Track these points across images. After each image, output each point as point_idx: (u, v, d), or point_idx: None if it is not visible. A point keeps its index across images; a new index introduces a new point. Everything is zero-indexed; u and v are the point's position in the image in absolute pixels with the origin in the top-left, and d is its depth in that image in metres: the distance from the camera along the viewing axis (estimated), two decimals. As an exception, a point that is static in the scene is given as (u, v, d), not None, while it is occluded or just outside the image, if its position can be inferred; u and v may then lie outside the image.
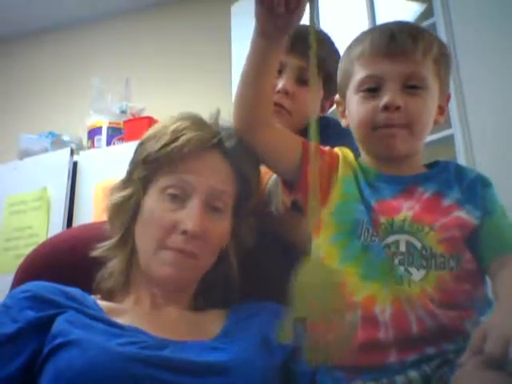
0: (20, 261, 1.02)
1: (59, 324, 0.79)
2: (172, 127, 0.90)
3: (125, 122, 2.34)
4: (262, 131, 0.91)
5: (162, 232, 0.86)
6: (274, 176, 1.05)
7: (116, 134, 2.33)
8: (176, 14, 3.02)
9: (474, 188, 0.88)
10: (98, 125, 2.37)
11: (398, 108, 0.87)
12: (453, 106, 1.68)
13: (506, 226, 0.87)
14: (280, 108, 1.14)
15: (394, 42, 0.88)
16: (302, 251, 1.03)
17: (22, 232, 2.15)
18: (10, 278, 1.00)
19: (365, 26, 2.07)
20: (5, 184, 2.28)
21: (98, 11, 3.10)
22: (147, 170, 0.91)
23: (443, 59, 0.93)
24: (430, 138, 1.67)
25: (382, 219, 0.85)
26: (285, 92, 1.14)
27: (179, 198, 0.88)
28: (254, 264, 0.95)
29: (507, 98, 1.60)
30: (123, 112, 2.40)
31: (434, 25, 1.80)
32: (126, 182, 0.93)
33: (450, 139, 1.70)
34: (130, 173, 0.94)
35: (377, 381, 0.78)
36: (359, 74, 0.91)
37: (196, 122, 0.93)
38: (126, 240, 0.91)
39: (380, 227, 0.85)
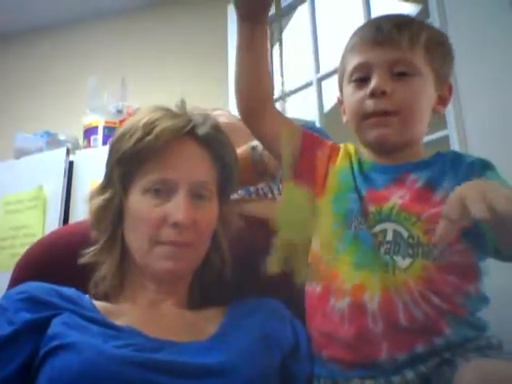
0: (16, 260, 1.02)
1: (55, 326, 0.79)
2: (143, 121, 0.89)
3: (121, 121, 2.33)
4: (263, 116, 0.92)
5: (153, 228, 0.86)
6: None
7: (112, 133, 2.31)
8: (173, 14, 3.02)
9: (471, 172, 0.87)
10: (94, 124, 2.37)
11: (384, 93, 0.87)
12: (448, 106, 1.68)
13: None
14: None
15: (380, 31, 0.90)
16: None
17: (18, 231, 2.14)
18: (5, 277, 1.00)
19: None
20: (0, 183, 2.27)
21: (95, 10, 3.10)
22: (125, 168, 0.90)
23: (438, 48, 0.93)
24: (425, 138, 1.68)
25: (371, 208, 0.86)
26: None
27: (163, 192, 0.87)
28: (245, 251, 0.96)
29: (503, 98, 1.60)
30: (119, 111, 2.40)
31: (429, 26, 1.81)
32: (106, 185, 0.93)
33: (445, 140, 1.70)
34: (108, 174, 0.93)
35: (375, 379, 0.79)
36: (350, 65, 0.93)
37: (166, 112, 0.92)
38: (114, 242, 0.90)
39: (369, 216, 0.85)
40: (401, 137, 0.90)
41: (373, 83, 0.88)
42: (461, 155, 0.92)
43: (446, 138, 1.70)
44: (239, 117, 0.97)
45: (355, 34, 0.96)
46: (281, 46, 0.85)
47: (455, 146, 1.65)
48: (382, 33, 0.90)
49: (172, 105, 0.95)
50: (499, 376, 0.66)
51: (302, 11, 2.34)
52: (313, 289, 0.88)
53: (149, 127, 0.88)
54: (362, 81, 0.91)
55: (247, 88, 0.91)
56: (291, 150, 0.92)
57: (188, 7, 2.96)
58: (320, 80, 2.21)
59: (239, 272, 0.94)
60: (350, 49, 0.94)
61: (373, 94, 0.88)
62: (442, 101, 0.95)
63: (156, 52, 2.99)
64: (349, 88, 0.93)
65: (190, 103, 0.96)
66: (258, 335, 0.85)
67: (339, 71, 0.99)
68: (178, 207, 0.85)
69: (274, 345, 0.85)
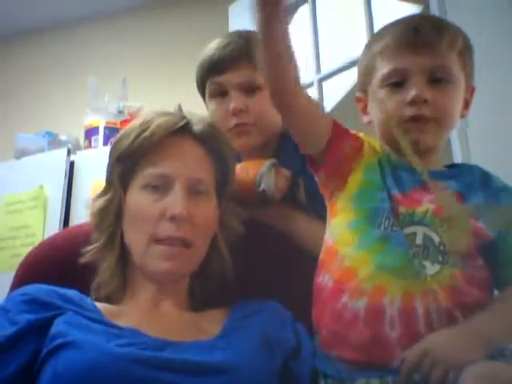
0: (16, 260, 1.03)
1: (58, 325, 0.79)
2: (140, 121, 0.91)
3: (122, 121, 2.33)
4: (292, 98, 0.87)
5: (151, 223, 0.86)
6: (267, 162, 1.06)
7: (113, 133, 2.31)
8: (173, 14, 3.01)
9: (499, 198, 0.87)
10: (95, 124, 2.37)
11: (425, 101, 0.86)
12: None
13: None
14: (243, 127, 1.14)
15: (418, 34, 0.88)
16: (295, 243, 1.04)
17: (19, 231, 2.14)
18: (5, 277, 1.00)
19: (362, 27, 2.07)
20: (1, 183, 2.27)
21: (96, 11, 3.10)
22: (124, 166, 0.91)
23: (468, 52, 0.92)
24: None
25: (402, 209, 0.84)
26: (239, 110, 1.13)
27: (161, 188, 0.88)
28: (247, 256, 0.95)
29: (506, 100, 1.60)
30: (120, 112, 2.39)
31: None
32: (107, 187, 0.94)
33: (446, 142, 1.70)
34: (108, 176, 0.94)
35: (381, 378, 0.78)
36: (383, 68, 0.90)
37: (162, 112, 0.94)
38: (113, 241, 0.91)
39: (399, 217, 0.84)
40: (435, 142, 0.90)
41: (414, 91, 0.87)
42: (490, 175, 0.92)
43: (447, 140, 1.70)
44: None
45: (386, 33, 0.93)
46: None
47: (456, 146, 1.65)
48: (420, 36, 0.88)
49: (174, 106, 0.96)
50: (497, 375, 0.66)
51: (303, 12, 2.34)
52: (325, 283, 0.86)
53: (145, 125, 0.90)
54: (396, 85, 0.89)
55: (275, 69, 0.85)
56: (319, 139, 0.90)
57: (188, 7, 2.96)
58: (321, 81, 2.21)
59: (241, 274, 0.94)
60: (383, 50, 0.91)
61: (413, 102, 0.86)
62: (466, 104, 0.95)
63: (156, 52, 2.99)
64: (381, 92, 0.91)
65: (191, 104, 0.97)
66: (259, 336, 0.85)
67: (364, 69, 0.96)
68: (175, 201, 0.86)
69: (276, 346, 0.85)
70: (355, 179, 0.90)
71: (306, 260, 0.94)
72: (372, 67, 0.93)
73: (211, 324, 0.88)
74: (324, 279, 0.87)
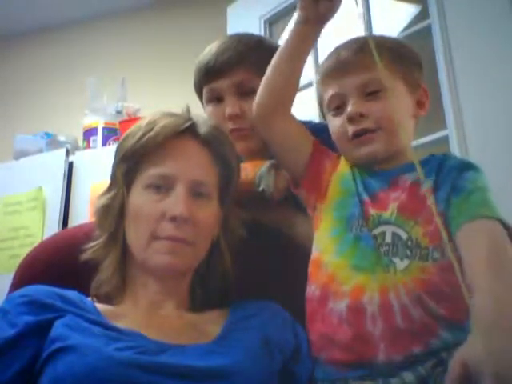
0: (15, 261, 1.03)
1: (58, 328, 0.79)
2: (146, 121, 0.92)
3: (120, 122, 2.33)
4: (280, 120, 0.96)
5: (152, 223, 0.87)
6: (267, 162, 1.07)
7: (112, 134, 2.32)
8: (172, 14, 3.02)
9: (450, 174, 0.89)
10: (94, 125, 2.37)
11: (361, 115, 0.91)
12: (448, 106, 1.68)
13: (474, 196, 0.84)
14: (240, 132, 1.14)
15: (339, 60, 0.96)
16: (297, 244, 1.05)
17: (18, 232, 2.14)
18: (4, 279, 1.00)
19: (360, 27, 2.07)
20: (0, 184, 2.26)
21: (95, 11, 3.10)
22: (128, 165, 0.92)
23: (399, 59, 0.96)
24: (424, 139, 1.69)
25: (372, 212, 0.88)
26: (235, 115, 1.13)
27: (163, 188, 0.89)
28: (248, 257, 0.96)
29: (503, 98, 1.60)
30: (119, 112, 2.39)
31: (429, 26, 1.81)
32: (111, 185, 0.95)
33: (444, 140, 1.70)
34: (113, 174, 0.95)
35: (372, 382, 0.79)
36: (324, 96, 0.98)
37: (169, 112, 0.95)
38: (115, 239, 0.91)
39: (369, 219, 0.88)
40: (388, 149, 0.93)
41: (348, 110, 0.92)
42: (448, 159, 0.93)
43: (445, 138, 1.70)
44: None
45: (322, 64, 1.02)
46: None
47: (454, 146, 1.65)
48: (341, 61, 0.95)
49: (174, 107, 0.97)
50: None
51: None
52: (312, 292, 0.89)
53: (150, 125, 0.91)
54: (339, 108, 0.95)
55: (278, 89, 0.95)
56: (300, 157, 0.97)
57: (188, 7, 2.96)
58: (319, 80, 2.21)
59: (242, 275, 0.94)
60: (320, 80, 1.00)
61: (351, 119, 0.92)
62: (421, 105, 0.98)
63: (156, 52, 2.99)
64: (329, 116, 0.98)
65: (190, 105, 0.97)
66: (259, 338, 0.85)
67: (318, 98, 1.05)
68: (176, 202, 0.87)
69: (276, 347, 0.85)
70: (334, 190, 0.95)
71: (305, 261, 0.94)
72: (321, 98, 1.00)
73: (211, 325, 0.88)
74: (311, 290, 0.89)
